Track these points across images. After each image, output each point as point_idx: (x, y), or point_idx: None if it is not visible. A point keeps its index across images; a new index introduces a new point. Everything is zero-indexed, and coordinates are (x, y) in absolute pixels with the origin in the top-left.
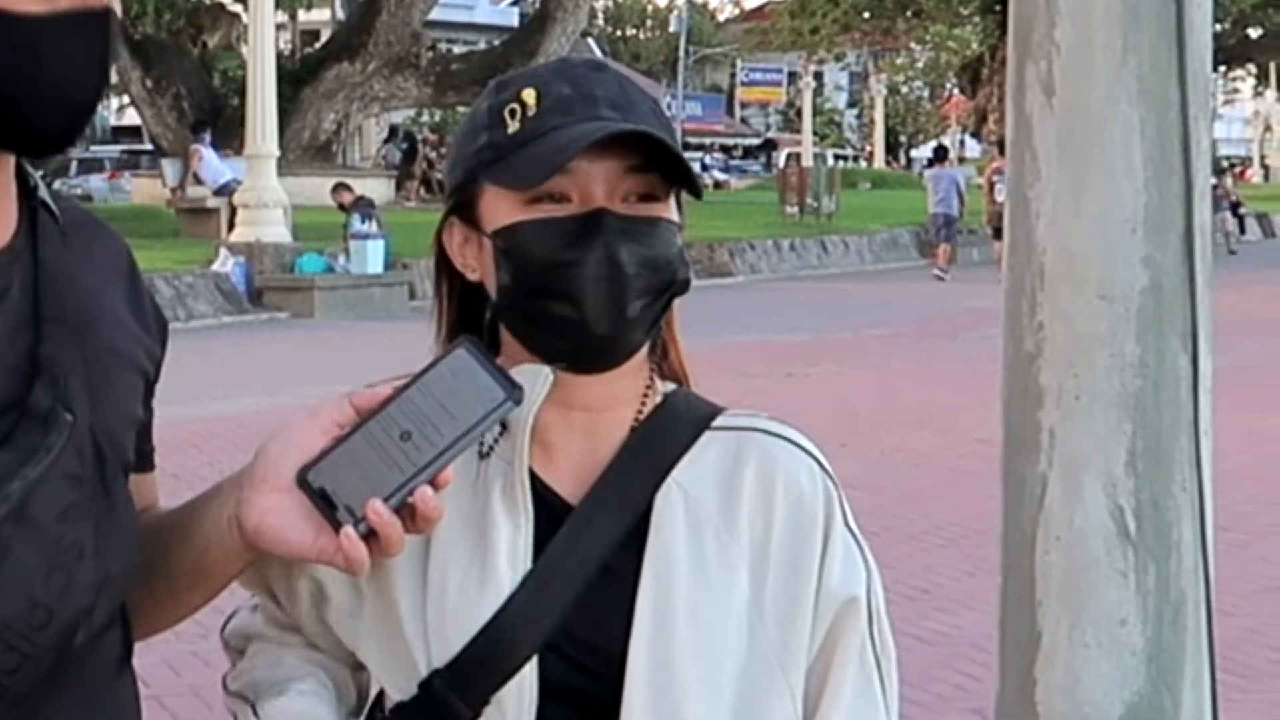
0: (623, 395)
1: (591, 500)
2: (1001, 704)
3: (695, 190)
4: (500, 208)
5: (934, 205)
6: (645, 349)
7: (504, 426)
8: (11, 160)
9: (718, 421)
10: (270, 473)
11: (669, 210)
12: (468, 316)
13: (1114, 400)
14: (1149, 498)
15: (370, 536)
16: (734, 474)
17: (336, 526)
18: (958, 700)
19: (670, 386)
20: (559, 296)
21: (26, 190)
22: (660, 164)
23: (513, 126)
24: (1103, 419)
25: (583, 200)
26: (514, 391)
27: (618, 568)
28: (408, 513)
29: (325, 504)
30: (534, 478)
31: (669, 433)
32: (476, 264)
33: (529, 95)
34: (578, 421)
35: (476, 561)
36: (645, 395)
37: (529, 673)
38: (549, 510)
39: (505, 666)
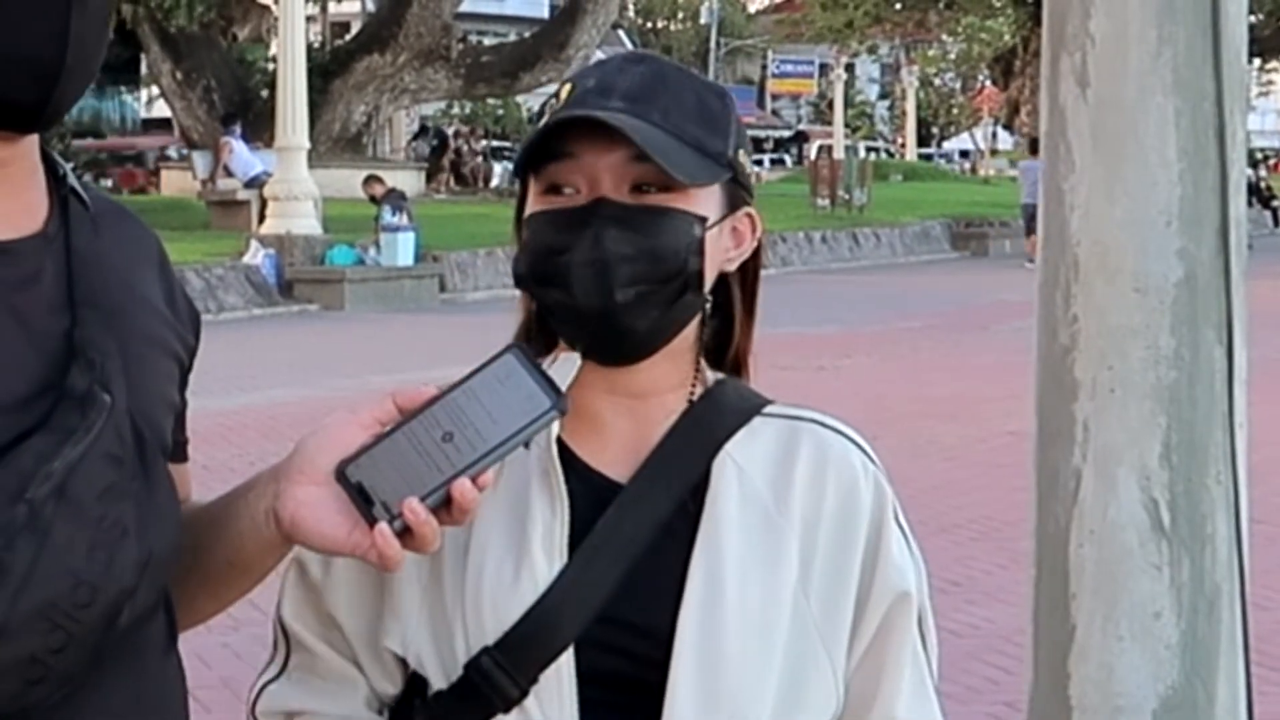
0: (665, 381)
1: (642, 478)
2: (1035, 697)
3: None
4: (531, 200)
5: (1025, 196)
6: (685, 337)
7: None
8: (33, 149)
9: (769, 409)
10: (308, 466)
11: (690, 201)
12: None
13: (1148, 393)
14: (1183, 490)
15: (405, 533)
16: (786, 459)
17: (372, 522)
18: (989, 693)
19: (718, 375)
20: (553, 283)
21: (56, 179)
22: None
23: (544, 120)
24: (1137, 411)
25: (590, 191)
26: (560, 400)
27: (665, 549)
28: (443, 507)
29: (362, 499)
30: (581, 463)
31: (718, 417)
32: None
33: (564, 90)
34: (626, 407)
35: (513, 548)
36: (694, 382)
37: (566, 659)
38: (594, 491)
39: (549, 648)
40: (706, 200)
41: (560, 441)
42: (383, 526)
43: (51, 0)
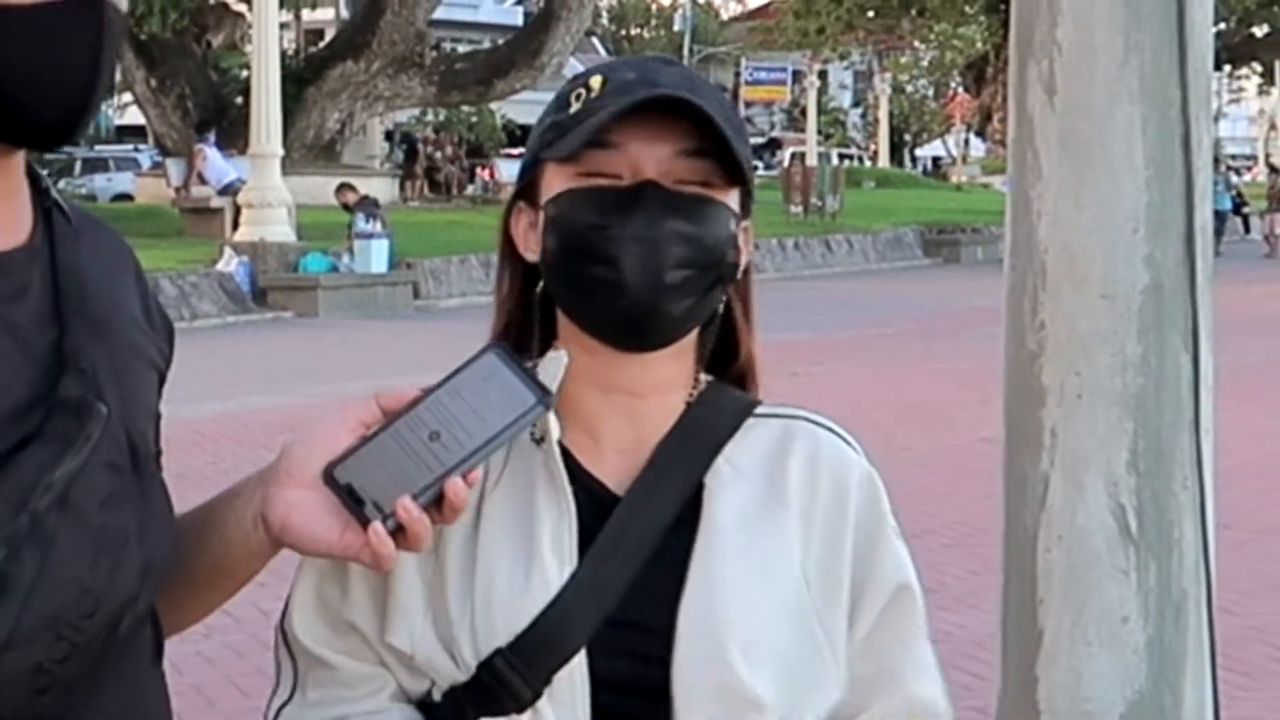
0: (666, 381)
1: (641, 486)
2: (1003, 701)
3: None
4: (555, 184)
5: None
6: (693, 336)
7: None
8: (21, 160)
9: (760, 410)
10: (295, 469)
11: (725, 197)
12: (526, 307)
13: (1115, 399)
14: (1150, 496)
15: (397, 532)
16: (780, 454)
17: (364, 523)
18: (961, 699)
19: (709, 378)
20: (598, 259)
21: (38, 191)
22: (716, 154)
23: (575, 108)
24: (1104, 418)
25: (634, 179)
26: (545, 397)
27: (668, 550)
28: (434, 505)
29: (352, 500)
30: (579, 468)
31: (716, 419)
32: (535, 244)
33: (595, 81)
34: (620, 405)
35: (523, 554)
36: (694, 384)
37: (579, 662)
38: (593, 499)
39: (561, 651)
40: (733, 201)
41: (561, 447)
42: (376, 526)
43: (86, 24)
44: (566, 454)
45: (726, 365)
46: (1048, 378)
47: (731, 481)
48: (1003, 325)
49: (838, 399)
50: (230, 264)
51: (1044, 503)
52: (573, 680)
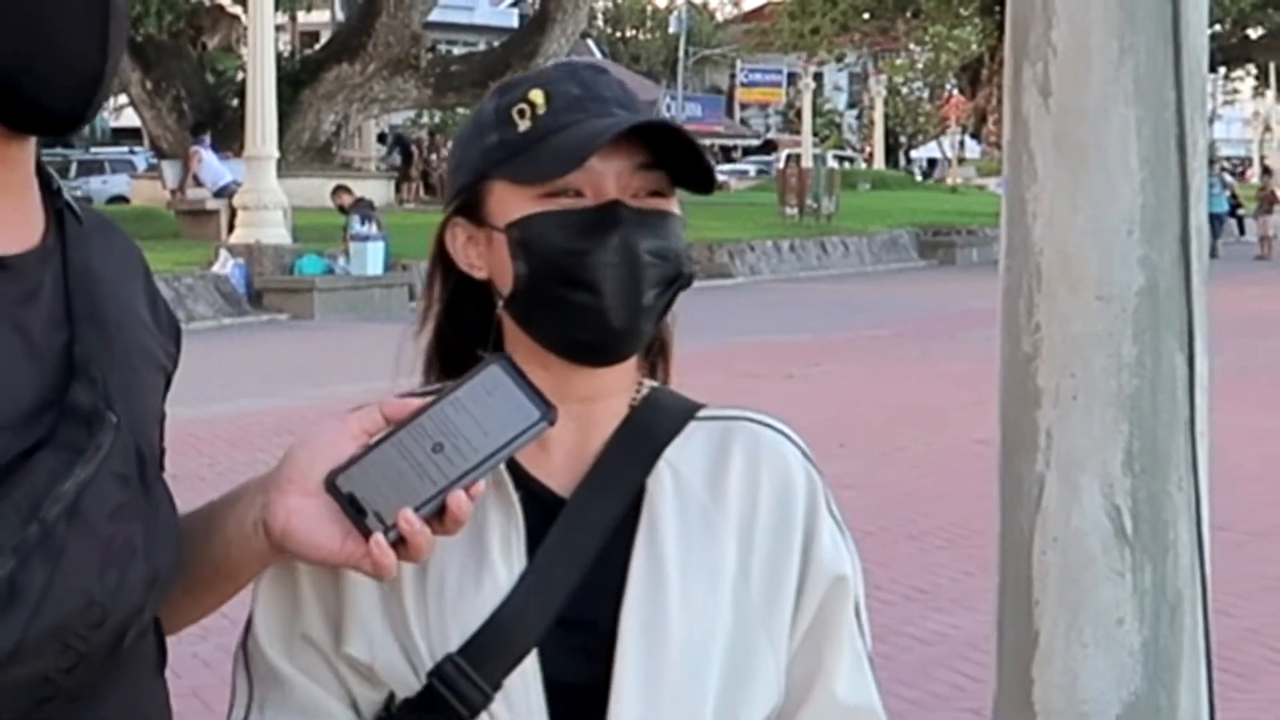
0: (615, 385)
1: (586, 488)
2: (999, 703)
3: (707, 186)
4: (512, 204)
5: None
6: None
7: None
8: (32, 155)
9: (703, 412)
10: (298, 476)
11: (675, 208)
12: (456, 317)
13: (1111, 400)
14: (1146, 497)
15: (398, 543)
16: (721, 456)
17: (366, 533)
18: (956, 700)
19: (652, 382)
20: (578, 284)
21: (50, 192)
22: (666, 163)
23: (523, 125)
24: (1100, 419)
25: (596, 196)
26: (548, 411)
27: (613, 551)
28: (435, 517)
29: (354, 509)
30: (525, 473)
31: (659, 421)
32: (482, 262)
33: (537, 95)
34: (571, 413)
35: (472, 559)
36: (638, 387)
37: (531, 662)
38: (541, 504)
39: (512, 653)
40: (677, 205)
41: None
42: (378, 537)
43: (93, 10)
44: (512, 458)
45: (648, 350)
46: (1043, 379)
47: (672, 486)
48: (998, 327)
49: (833, 400)
50: (226, 266)
51: (1039, 504)
52: (525, 681)
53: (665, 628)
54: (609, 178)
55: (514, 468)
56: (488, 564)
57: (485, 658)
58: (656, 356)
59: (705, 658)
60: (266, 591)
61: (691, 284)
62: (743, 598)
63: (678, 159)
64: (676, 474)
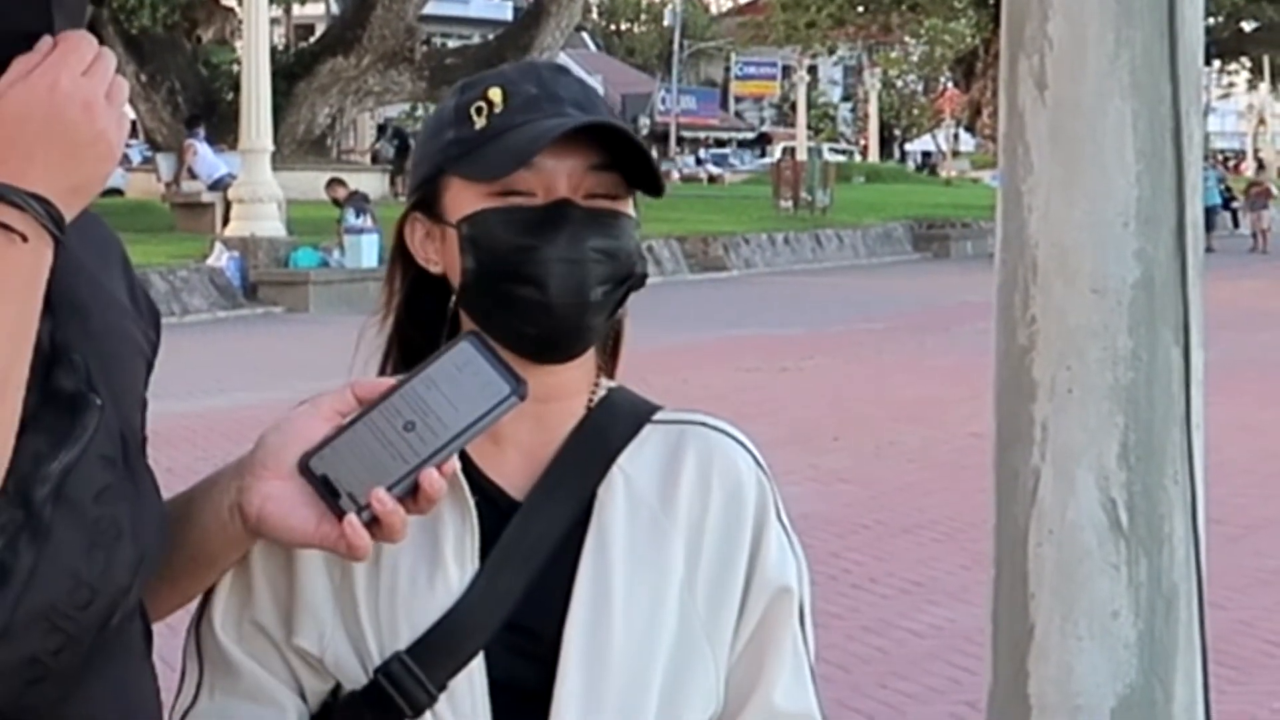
0: (571, 386)
1: (539, 492)
2: (994, 696)
3: (657, 190)
4: (465, 200)
5: None
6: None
7: None
8: None
9: (658, 415)
10: (271, 460)
11: (629, 209)
12: (414, 310)
13: (1106, 393)
14: (1141, 491)
15: (373, 523)
16: (673, 462)
17: (339, 514)
18: (951, 693)
19: (611, 383)
20: (523, 280)
21: None
22: (620, 165)
23: (479, 123)
24: (1095, 412)
25: (547, 195)
26: (519, 386)
27: (562, 556)
28: (409, 496)
29: (328, 491)
30: (480, 474)
31: (613, 425)
32: (438, 257)
33: (495, 94)
34: (526, 411)
35: (425, 558)
36: (594, 387)
37: (477, 664)
38: (494, 505)
39: (460, 654)
40: (631, 207)
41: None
42: (351, 518)
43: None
44: (467, 459)
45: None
46: (1038, 372)
47: (624, 492)
48: (993, 320)
49: (828, 394)
50: (221, 259)
51: (1035, 497)
52: (471, 683)
53: (608, 635)
54: (560, 177)
55: (469, 468)
56: (440, 565)
57: (433, 658)
58: (609, 355)
59: (647, 665)
60: (227, 575)
61: (644, 284)
62: (687, 605)
63: (631, 161)
64: (628, 480)
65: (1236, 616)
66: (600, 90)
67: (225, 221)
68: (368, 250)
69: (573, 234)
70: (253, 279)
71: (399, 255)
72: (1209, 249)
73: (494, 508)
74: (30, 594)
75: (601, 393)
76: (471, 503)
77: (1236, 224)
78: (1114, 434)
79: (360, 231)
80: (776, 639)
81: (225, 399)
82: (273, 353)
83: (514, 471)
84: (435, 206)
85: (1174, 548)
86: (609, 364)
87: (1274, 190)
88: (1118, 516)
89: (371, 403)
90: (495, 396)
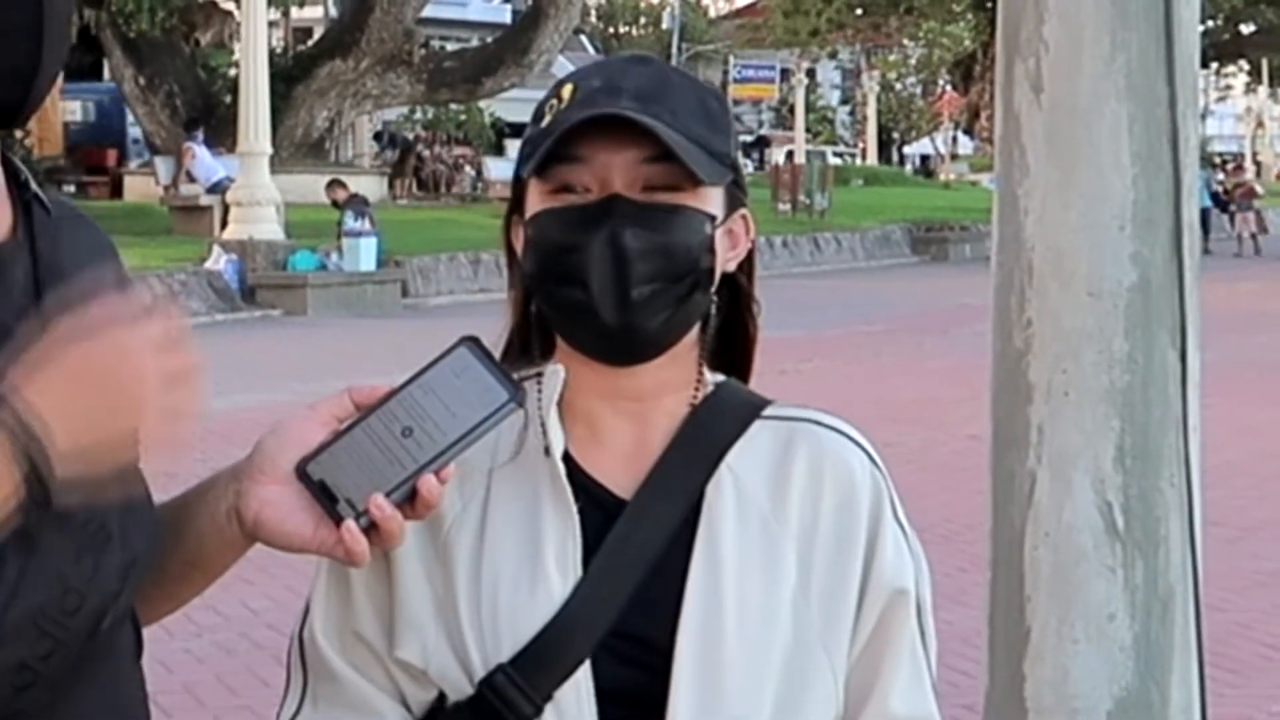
0: (670, 384)
1: (645, 493)
2: (990, 698)
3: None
4: (533, 200)
5: None
6: (690, 338)
7: (542, 426)
8: None
9: (768, 411)
10: (268, 465)
11: (700, 200)
12: (524, 312)
13: (1102, 396)
14: (1137, 493)
15: (371, 529)
16: (784, 462)
17: (337, 519)
18: (949, 696)
19: (719, 377)
20: (568, 280)
21: (18, 185)
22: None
23: (547, 120)
24: (1091, 415)
25: (602, 190)
26: (517, 393)
27: (669, 560)
28: (406, 502)
29: (325, 496)
30: (583, 473)
31: (720, 422)
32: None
33: (566, 90)
34: (627, 411)
35: (527, 563)
36: (697, 385)
37: (584, 673)
38: (599, 506)
39: (565, 663)
40: (712, 200)
41: (565, 453)
42: (349, 524)
43: (18, 5)
44: (571, 460)
45: (724, 362)
46: (1035, 375)
47: (733, 492)
48: (990, 322)
49: (826, 396)
50: (219, 262)
51: (1031, 500)
52: (578, 693)
53: (722, 642)
54: (615, 171)
55: (572, 469)
56: (542, 573)
57: (537, 668)
58: (732, 352)
59: (762, 672)
60: (323, 584)
61: (714, 280)
62: (801, 611)
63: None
64: (737, 480)
65: (1234, 619)
66: (717, 86)
67: (223, 225)
68: (366, 253)
69: (612, 232)
70: (251, 282)
71: (509, 257)
72: (1205, 251)
73: (600, 510)
74: (18, 600)
75: (708, 388)
76: (575, 511)
77: (1234, 225)
78: (1110, 437)
79: (359, 234)
80: (893, 642)
81: (224, 402)
82: (271, 356)
83: (617, 471)
84: (522, 207)
85: (1170, 550)
86: (739, 360)
87: (1258, 189)
88: (1114, 519)
89: (369, 408)
90: (493, 403)
